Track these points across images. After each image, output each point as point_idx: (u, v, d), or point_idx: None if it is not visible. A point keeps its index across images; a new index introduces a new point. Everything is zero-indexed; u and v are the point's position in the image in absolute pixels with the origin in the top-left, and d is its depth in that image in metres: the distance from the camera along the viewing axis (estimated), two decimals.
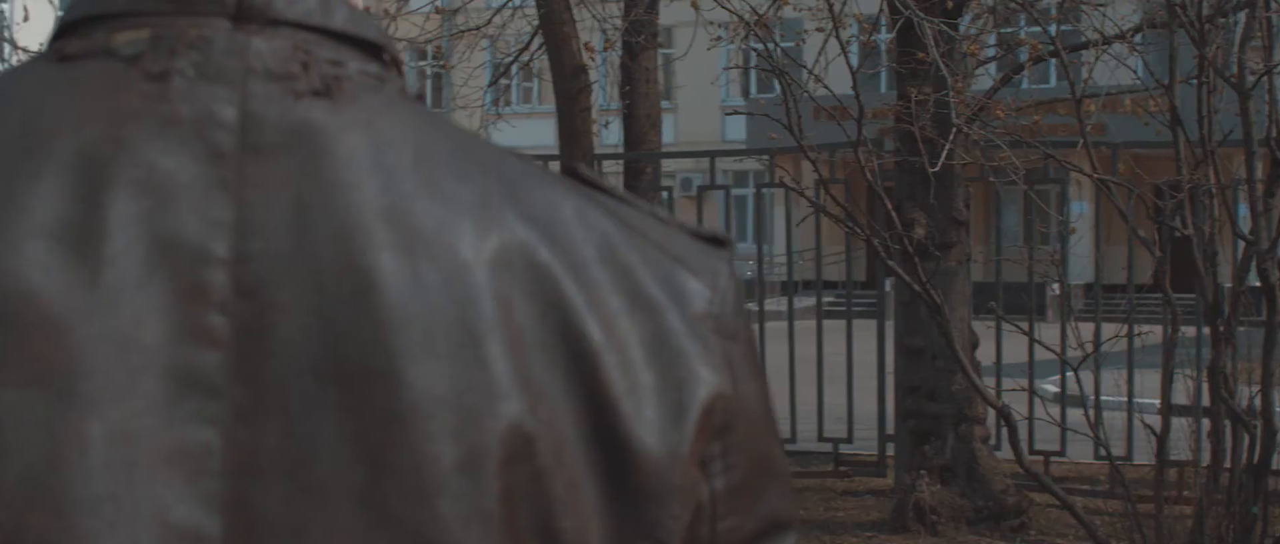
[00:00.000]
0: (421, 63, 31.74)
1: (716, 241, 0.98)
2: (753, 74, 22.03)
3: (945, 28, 7.64)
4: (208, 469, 0.82)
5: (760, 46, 6.90)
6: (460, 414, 0.84)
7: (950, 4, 7.94)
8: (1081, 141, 6.79)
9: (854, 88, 6.43)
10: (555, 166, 1.07)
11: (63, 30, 0.91)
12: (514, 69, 13.13)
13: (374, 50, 0.93)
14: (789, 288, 10.71)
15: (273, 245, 0.84)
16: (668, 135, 20.91)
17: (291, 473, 0.82)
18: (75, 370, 0.81)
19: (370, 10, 0.98)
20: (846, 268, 10.13)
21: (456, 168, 0.89)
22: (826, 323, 11.17)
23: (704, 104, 25.41)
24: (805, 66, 7.84)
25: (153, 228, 0.83)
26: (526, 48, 12.21)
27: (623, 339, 0.89)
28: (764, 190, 10.87)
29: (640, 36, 11.13)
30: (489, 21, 12.35)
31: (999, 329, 9.19)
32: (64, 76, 0.88)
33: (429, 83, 34.52)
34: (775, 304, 16.90)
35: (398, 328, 0.84)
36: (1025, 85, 11.05)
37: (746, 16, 7.07)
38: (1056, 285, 9.77)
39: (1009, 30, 10.26)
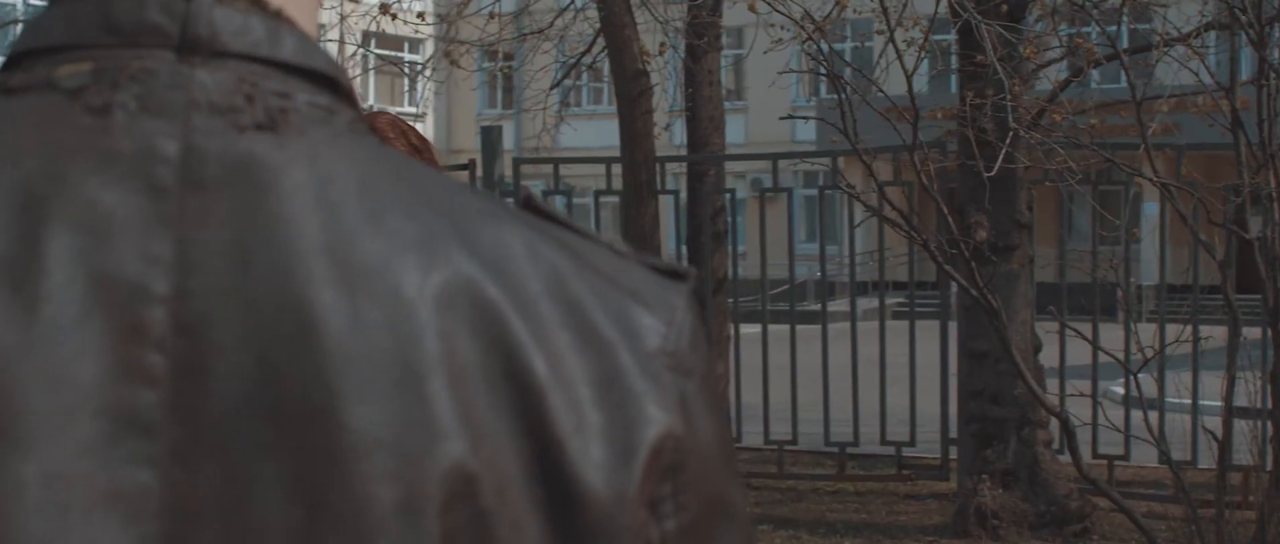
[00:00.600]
0: (490, 65, 32.05)
1: (676, 275, 0.96)
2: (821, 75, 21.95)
3: (1002, 30, 7.59)
4: (144, 511, 0.80)
5: (817, 50, 6.86)
6: (400, 455, 0.82)
7: (1006, 6, 7.89)
8: (1143, 145, 6.75)
9: (909, 91, 6.40)
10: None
11: (8, 63, 0.90)
12: (583, 72, 13.17)
13: (325, 82, 0.91)
14: (852, 289, 10.67)
15: (213, 282, 0.83)
16: (738, 136, 20.90)
17: (228, 514, 0.81)
18: (9, 410, 0.79)
19: (321, 39, 0.97)
20: (909, 270, 10.07)
21: (402, 203, 0.88)
22: (894, 324, 11.13)
23: (775, 105, 25.42)
24: (864, 69, 7.83)
25: (91, 264, 0.82)
26: (588, 50, 12.22)
27: (570, 377, 0.87)
28: (830, 192, 10.85)
29: (703, 39, 11.12)
30: (551, 24, 12.39)
31: (1063, 332, 9.13)
32: (6, 110, 0.87)
33: (500, 84, 34.69)
34: (839, 306, 16.87)
35: (337, 367, 0.82)
36: (1095, 85, 10.95)
37: (801, 20, 7.04)
38: (1127, 286, 9.70)
39: (1074, 30, 10.18)
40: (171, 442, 0.81)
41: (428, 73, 13.42)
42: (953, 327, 9.95)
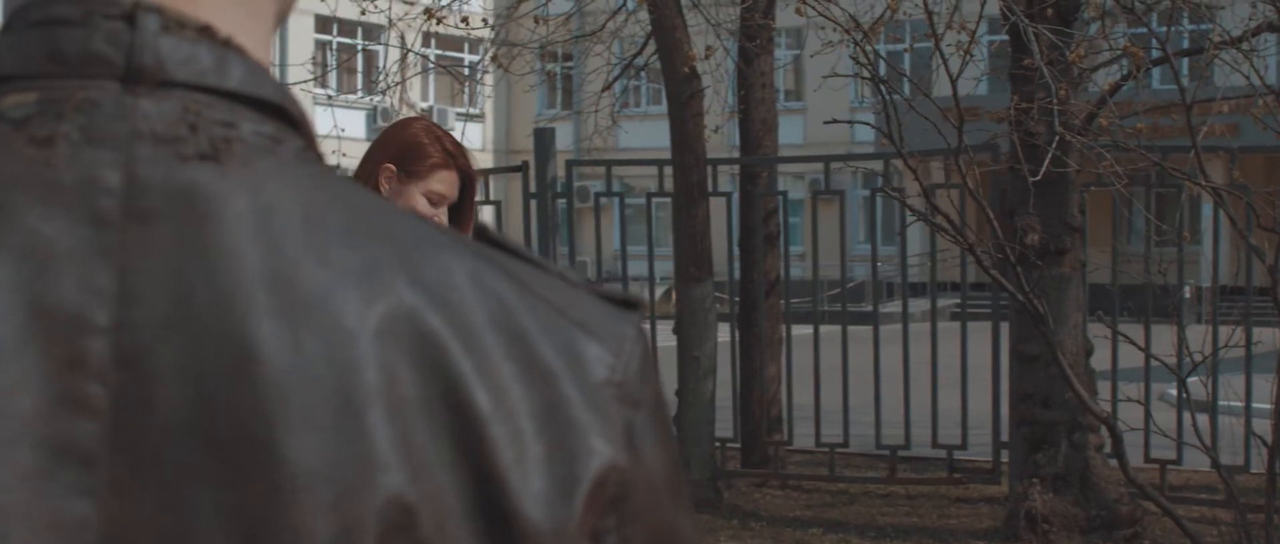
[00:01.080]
0: (544, 67, 32.10)
1: (627, 305, 0.96)
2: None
3: (1047, 33, 7.55)
4: (83, 542, 0.80)
5: (862, 53, 6.85)
6: (338, 486, 0.82)
7: (1051, 11, 7.86)
8: (1193, 148, 6.71)
9: (953, 94, 6.38)
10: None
11: None
12: (638, 73, 13.18)
13: (272, 110, 0.91)
14: (903, 291, 10.65)
15: (153, 313, 0.83)
16: (796, 137, 20.84)
17: None
18: None
19: (271, 67, 0.96)
20: (961, 272, 10.05)
21: (346, 233, 0.88)
22: (947, 325, 11.11)
23: (833, 106, 25.30)
24: (923, 71, 7.81)
25: (31, 295, 0.82)
26: (641, 51, 12.24)
27: (513, 408, 0.87)
28: (884, 194, 10.82)
29: (755, 41, 11.11)
30: (602, 26, 12.41)
31: (1115, 335, 9.07)
32: None
33: (559, 85, 34.74)
34: (893, 307, 16.81)
35: (276, 398, 0.82)
36: (1155, 86, 10.90)
37: (847, 24, 7.03)
38: (1187, 288, 9.65)
39: (1127, 32, 10.12)
40: (111, 473, 0.81)
41: (480, 75, 13.46)
42: (1005, 328, 9.92)
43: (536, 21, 11.59)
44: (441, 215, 4.29)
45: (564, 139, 13.69)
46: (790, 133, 13.84)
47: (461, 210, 4.37)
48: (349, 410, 0.83)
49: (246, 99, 0.90)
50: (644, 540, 0.91)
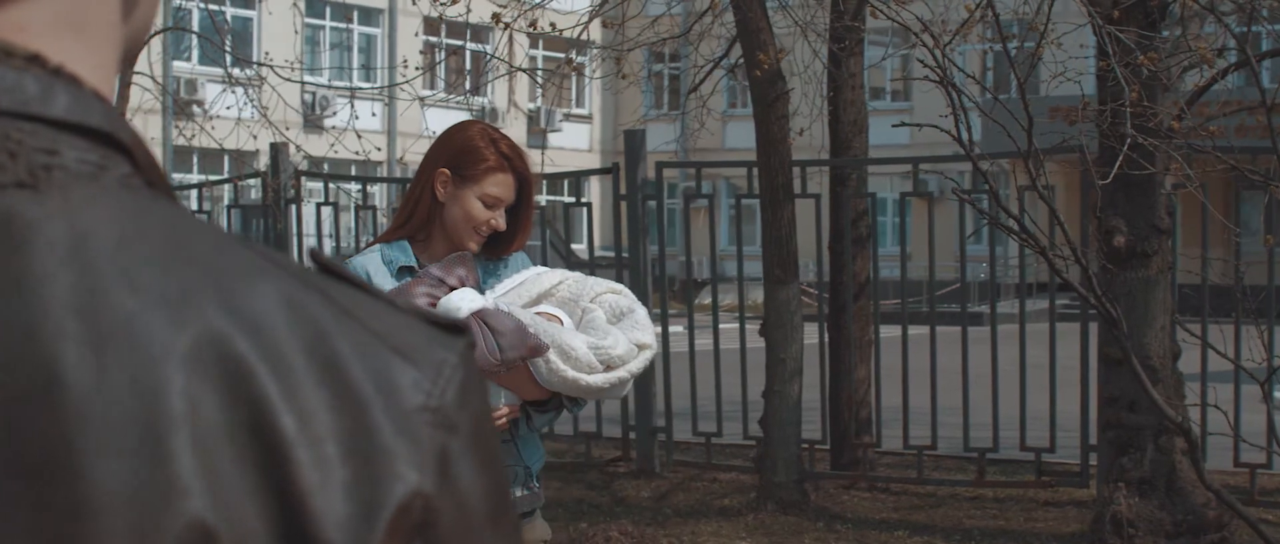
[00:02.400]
0: (656, 67, 32.17)
1: (453, 330, 0.96)
2: (990, 75, 21.74)
3: (1119, 35, 7.48)
4: None
5: (933, 57, 6.82)
6: (138, 511, 0.83)
7: (1118, 14, 7.78)
8: (1275, 151, 6.64)
9: (1021, 96, 6.35)
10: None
11: None
12: (730, 73, 13.18)
13: (100, 137, 0.92)
14: (992, 293, 10.58)
15: None
16: (903, 136, 20.73)
17: None
18: None
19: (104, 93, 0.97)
20: (1050, 273, 9.96)
21: (161, 259, 0.89)
22: (1036, 327, 11.03)
23: (939, 106, 25.12)
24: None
25: None
26: (727, 53, 12.24)
27: (319, 434, 0.88)
28: (979, 196, 10.74)
29: (843, 43, 11.09)
30: (689, 28, 12.44)
31: (1204, 336, 8.97)
32: None
33: (666, 84, 34.81)
34: (983, 308, 16.69)
35: (79, 423, 0.83)
36: (1242, 85, 10.73)
37: (918, 27, 7.01)
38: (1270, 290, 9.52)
39: (1211, 30, 9.99)
40: None
41: (589, 76, 13.54)
42: (1094, 330, 9.83)
43: (606, 23, 11.61)
44: (498, 218, 4.32)
45: (665, 140, 13.74)
46: (897, 133, 13.69)
47: (518, 213, 4.40)
48: (152, 436, 0.84)
49: (72, 127, 0.91)
50: None
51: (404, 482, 0.89)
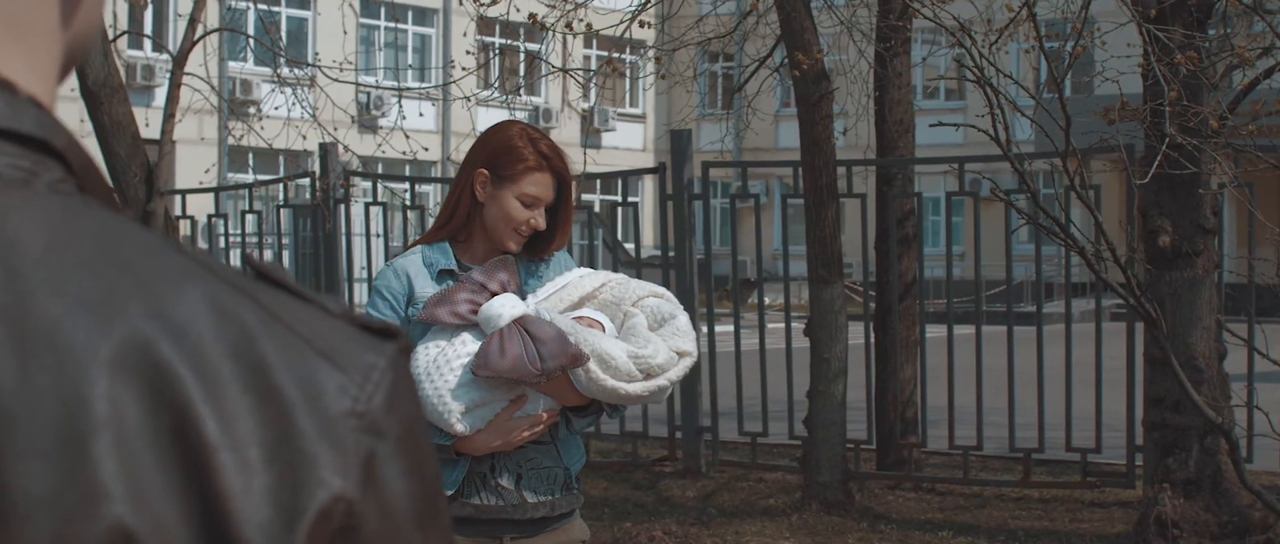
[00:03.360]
0: (713, 66, 32.16)
1: (385, 335, 0.97)
2: (1035, 75, 21.55)
3: (1156, 33, 7.45)
4: None
5: (970, 57, 6.81)
6: (59, 515, 0.84)
7: (1154, 13, 7.74)
8: None
9: (1059, 96, 6.33)
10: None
11: None
12: (775, 73, 13.17)
13: (32, 143, 0.93)
14: (1038, 293, 10.54)
15: None
16: (958, 135, 20.66)
17: None
18: None
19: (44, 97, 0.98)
20: (1095, 274, 9.92)
21: (89, 264, 0.89)
22: (1082, 327, 10.98)
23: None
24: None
25: None
26: (771, 53, 12.24)
27: (243, 438, 0.88)
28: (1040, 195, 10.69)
29: (888, 43, 11.07)
30: (735, 28, 12.44)
31: (1251, 338, 8.92)
32: None
33: (719, 83, 34.78)
34: (1031, 308, 16.61)
35: (1, 427, 0.84)
36: None
37: (951, 24, 7.00)
38: None
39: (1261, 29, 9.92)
40: None
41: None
42: (1140, 330, 9.78)
43: (642, 23, 11.61)
44: (538, 217, 4.32)
45: (718, 139, 13.72)
46: (951, 132, 13.65)
47: (558, 213, 4.40)
48: (74, 440, 0.85)
49: (3, 133, 0.92)
50: None
51: (326, 487, 0.89)
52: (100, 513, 0.84)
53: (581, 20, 11.28)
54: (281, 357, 0.91)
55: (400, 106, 13.09)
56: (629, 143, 39.48)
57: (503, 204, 4.28)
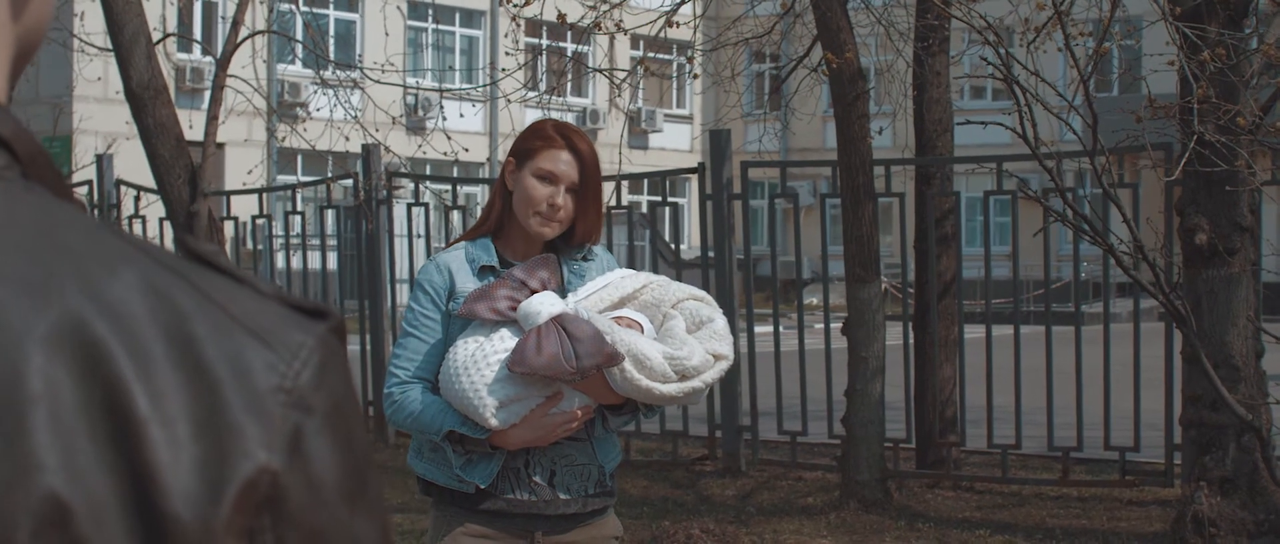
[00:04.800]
0: (760, 66, 32.11)
1: (315, 314, 1.01)
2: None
3: (1186, 31, 7.44)
4: None
5: (999, 56, 6.82)
6: None
7: (1178, 11, 7.73)
8: None
9: (1085, 95, 6.34)
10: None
11: None
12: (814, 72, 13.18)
13: None
14: (1075, 293, 10.53)
15: None
16: (1004, 135, 20.70)
17: None
18: None
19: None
20: (1132, 273, 9.90)
21: (28, 247, 0.94)
22: (1120, 327, 10.96)
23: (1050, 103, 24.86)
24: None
25: None
26: (808, 52, 12.25)
27: (172, 413, 0.92)
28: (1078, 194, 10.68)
29: (928, 41, 11.07)
30: (772, 28, 12.46)
31: None
32: None
33: (765, 84, 34.77)
34: (1068, 308, 16.57)
35: None
36: None
37: (983, 24, 7.01)
38: None
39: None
40: None
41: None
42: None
43: (669, 22, 11.64)
44: (558, 196, 4.33)
45: (762, 139, 13.74)
46: (1001, 132, 13.57)
47: (584, 197, 4.41)
48: (10, 413, 0.90)
49: None
50: (300, 541, 0.96)
51: (251, 459, 0.94)
52: (34, 483, 0.89)
53: (613, 20, 11.32)
54: (212, 335, 0.95)
55: (441, 108, 13.18)
56: (676, 144, 39.51)
57: (524, 185, 4.31)
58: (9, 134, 1.00)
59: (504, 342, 4.11)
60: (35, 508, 0.89)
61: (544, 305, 4.09)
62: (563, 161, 4.30)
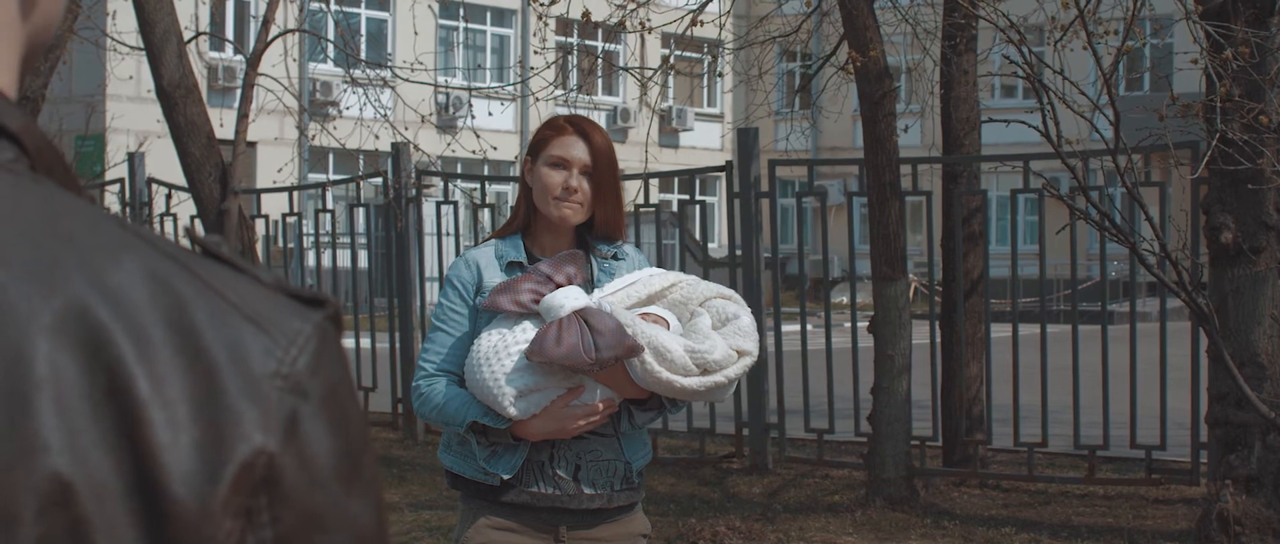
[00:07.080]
0: (790, 64, 32.13)
1: (313, 303, 1.04)
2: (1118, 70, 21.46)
3: (1210, 30, 7.45)
4: None
5: (1021, 54, 6.84)
6: (1, 464, 0.91)
7: (1199, 9, 7.73)
8: None
9: (1109, 93, 6.36)
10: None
11: None
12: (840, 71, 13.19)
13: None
14: (1103, 293, 10.54)
15: None
16: (1032, 134, 20.71)
17: None
18: None
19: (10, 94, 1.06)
20: (1158, 272, 9.90)
21: (34, 236, 0.97)
22: (1147, 326, 10.96)
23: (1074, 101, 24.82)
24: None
25: None
26: (835, 51, 12.27)
27: (173, 396, 0.95)
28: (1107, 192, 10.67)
29: (956, 39, 11.09)
30: (799, 27, 12.48)
31: None
32: None
33: (795, 83, 34.77)
34: (1095, 307, 16.55)
35: None
36: None
37: (1001, 23, 7.03)
38: None
39: None
40: None
41: (717, 74, 13.67)
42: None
43: (693, 21, 11.67)
44: (573, 179, 4.35)
45: (802, 139, 13.78)
46: (1023, 131, 13.60)
47: (600, 182, 4.44)
48: (16, 396, 0.93)
49: None
50: (293, 521, 0.99)
51: (248, 441, 0.97)
52: (38, 463, 0.92)
53: (638, 19, 11.36)
54: (211, 322, 0.99)
55: (470, 107, 13.24)
56: (707, 142, 39.53)
57: (540, 175, 4.37)
58: (17, 127, 1.04)
59: (526, 334, 4.15)
60: (40, 487, 0.92)
61: (567, 299, 4.13)
62: (574, 147, 4.35)
